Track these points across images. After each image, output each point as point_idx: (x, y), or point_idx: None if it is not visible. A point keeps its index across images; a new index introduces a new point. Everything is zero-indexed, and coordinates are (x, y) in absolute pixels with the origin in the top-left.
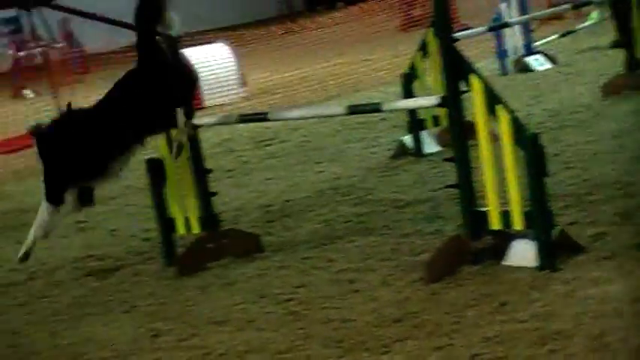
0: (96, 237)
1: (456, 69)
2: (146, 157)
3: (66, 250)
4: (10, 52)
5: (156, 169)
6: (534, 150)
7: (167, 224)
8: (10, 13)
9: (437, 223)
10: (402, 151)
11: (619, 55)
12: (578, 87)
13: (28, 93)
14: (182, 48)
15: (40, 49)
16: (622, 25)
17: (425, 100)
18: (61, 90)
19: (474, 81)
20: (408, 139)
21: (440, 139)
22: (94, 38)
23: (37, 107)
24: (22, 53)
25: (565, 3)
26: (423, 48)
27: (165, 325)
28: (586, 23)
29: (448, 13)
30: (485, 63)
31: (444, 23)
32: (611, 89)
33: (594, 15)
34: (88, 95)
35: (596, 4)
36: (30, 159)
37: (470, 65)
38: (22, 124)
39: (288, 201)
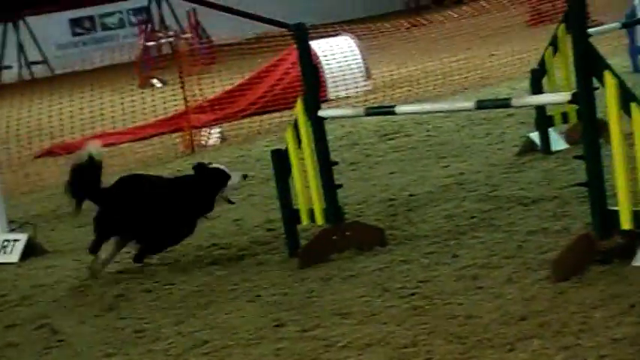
0: (220, 226)
1: (589, 65)
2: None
3: (190, 238)
4: (140, 41)
5: (281, 160)
6: None
7: (291, 215)
8: (141, 2)
9: (564, 221)
10: (528, 147)
11: None
12: None
13: (155, 82)
14: (309, 40)
15: (168, 40)
16: None
17: (556, 97)
18: (188, 80)
19: (608, 77)
20: (535, 136)
21: (568, 137)
22: (221, 29)
23: (164, 97)
24: (150, 43)
25: None
26: (554, 43)
27: (289, 316)
28: None
29: (584, 7)
30: (616, 60)
31: (579, 18)
32: None
33: None
34: (213, 85)
35: None
36: (155, 148)
37: (604, 61)
38: (149, 113)
39: (411, 195)
